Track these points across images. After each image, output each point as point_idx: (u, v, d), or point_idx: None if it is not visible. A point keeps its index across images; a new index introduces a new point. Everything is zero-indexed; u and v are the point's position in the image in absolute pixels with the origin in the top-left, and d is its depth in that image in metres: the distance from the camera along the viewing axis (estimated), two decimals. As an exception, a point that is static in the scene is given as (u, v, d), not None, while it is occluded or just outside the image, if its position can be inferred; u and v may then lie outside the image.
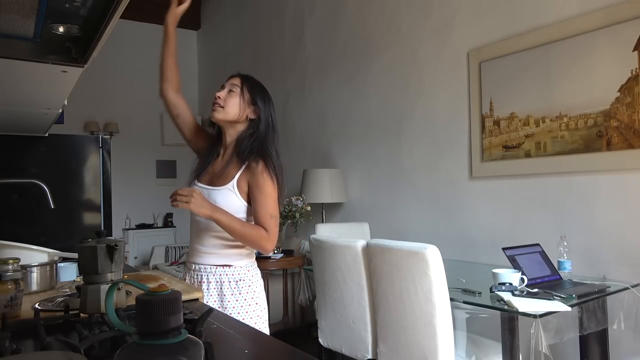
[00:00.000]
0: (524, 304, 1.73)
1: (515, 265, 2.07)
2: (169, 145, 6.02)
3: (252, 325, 1.42)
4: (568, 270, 2.19)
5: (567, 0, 2.47)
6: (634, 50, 2.20)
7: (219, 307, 1.53)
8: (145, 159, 5.95)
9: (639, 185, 2.22)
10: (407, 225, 3.36)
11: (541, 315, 1.68)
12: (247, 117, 1.60)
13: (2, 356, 0.75)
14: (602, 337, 2.16)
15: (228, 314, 1.46)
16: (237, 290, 1.56)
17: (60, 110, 1.86)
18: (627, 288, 2.06)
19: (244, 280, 1.57)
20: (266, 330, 1.62)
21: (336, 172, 3.78)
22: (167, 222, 5.96)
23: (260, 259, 3.34)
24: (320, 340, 2.48)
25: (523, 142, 2.65)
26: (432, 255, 1.83)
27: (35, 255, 1.39)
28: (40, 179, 2.00)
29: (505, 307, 1.75)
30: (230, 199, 1.54)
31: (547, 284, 2.04)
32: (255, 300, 1.58)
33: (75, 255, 1.41)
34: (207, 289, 1.56)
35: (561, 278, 2.14)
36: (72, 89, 1.51)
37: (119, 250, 1.00)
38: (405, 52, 3.39)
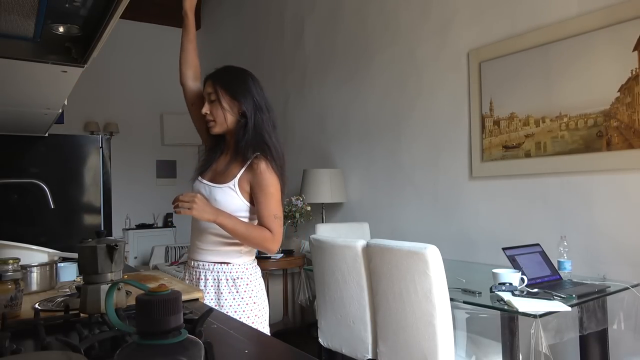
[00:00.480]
0: (524, 304, 1.73)
1: (515, 265, 2.07)
2: (169, 145, 6.02)
3: (250, 325, 1.42)
4: (568, 270, 2.19)
5: (566, 0, 2.47)
6: (634, 50, 2.20)
7: (215, 305, 1.53)
8: (145, 159, 5.95)
9: (639, 185, 2.22)
10: (407, 225, 3.36)
11: (541, 315, 1.68)
12: (238, 114, 1.58)
13: (2, 356, 0.75)
14: (602, 337, 2.16)
15: (225, 312, 1.46)
16: (234, 288, 1.55)
17: (60, 110, 1.86)
18: (627, 288, 2.06)
19: (241, 278, 1.57)
20: (266, 330, 1.61)
21: (336, 172, 3.78)
22: (167, 222, 5.96)
23: (260, 259, 3.34)
24: (320, 340, 2.48)
25: (523, 142, 2.65)
26: (432, 255, 1.83)
27: (35, 255, 1.39)
28: (40, 179, 2.00)
29: (505, 307, 1.75)
30: (230, 197, 1.54)
31: (547, 284, 2.04)
32: (253, 300, 1.57)
33: (75, 255, 1.41)
34: (205, 286, 1.56)
35: (561, 278, 2.14)
36: (72, 89, 1.51)
37: (119, 250, 1.00)
38: (405, 52, 3.39)
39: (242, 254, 1.60)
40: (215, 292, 1.56)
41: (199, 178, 1.63)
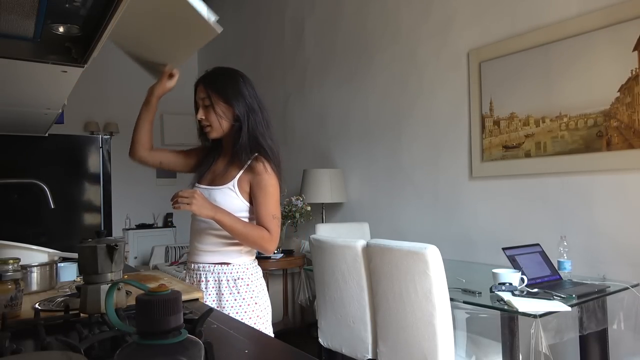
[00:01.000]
0: (524, 304, 1.73)
1: (515, 265, 2.07)
2: (169, 145, 6.00)
3: (252, 325, 1.42)
4: (568, 270, 2.19)
5: (566, 0, 2.47)
6: (634, 50, 2.20)
7: (217, 307, 1.53)
8: (145, 158, 5.94)
9: (639, 185, 2.22)
10: (407, 225, 3.37)
11: (541, 315, 1.68)
12: (232, 119, 1.58)
13: (2, 356, 0.75)
14: (602, 337, 2.16)
15: (226, 313, 1.46)
16: (235, 289, 1.55)
17: (60, 110, 1.86)
18: (627, 288, 2.06)
19: (242, 278, 1.57)
20: (267, 330, 1.60)
21: (336, 172, 3.78)
22: (167, 222, 5.96)
23: (261, 259, 3.33)
24: (320, 340, 2.48)
25: (523, 142, 2.65)
26: (432, 255, 1.83)
27: (35, 255, 1.39)
28: (40, 179, 2.00)
29: (505, 307, 1.75)
30: (230, 197, 1.54)
31: (547, 284, 2.04)
32: (254, 300, 1.57)
33: (75, 255, 1.41)
34: (206, 287, 1.56)
35: (561, 278, 2.14)
36: (72, 89, 1.51)
37: (119, 250, 1.00)
38: (405, 52, 3.39)
39: (242, 253, 1.60)
40: (217, 294, 1.56)
41: (197, 184, 1.64)
